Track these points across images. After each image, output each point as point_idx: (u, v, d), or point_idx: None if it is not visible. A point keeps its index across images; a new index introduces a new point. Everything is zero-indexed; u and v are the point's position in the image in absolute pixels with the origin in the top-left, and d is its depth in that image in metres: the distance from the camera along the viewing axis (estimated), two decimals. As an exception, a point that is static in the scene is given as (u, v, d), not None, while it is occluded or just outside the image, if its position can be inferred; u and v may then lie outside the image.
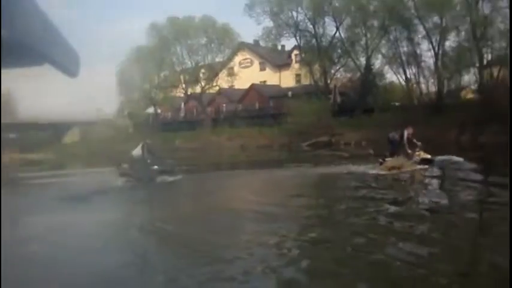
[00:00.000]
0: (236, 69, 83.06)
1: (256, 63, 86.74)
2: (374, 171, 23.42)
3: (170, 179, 23.61)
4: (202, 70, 78.96)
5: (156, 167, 23.76)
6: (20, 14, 1.45)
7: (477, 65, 56.63)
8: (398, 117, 47.43)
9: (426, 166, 23.87)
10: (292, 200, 17.43)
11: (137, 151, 24.10)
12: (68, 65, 1.85)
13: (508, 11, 51.69)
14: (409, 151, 24.11)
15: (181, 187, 23.02)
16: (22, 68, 1.76)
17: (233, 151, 55.94)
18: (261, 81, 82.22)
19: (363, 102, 63.62)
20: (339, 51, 68.55)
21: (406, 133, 24.37)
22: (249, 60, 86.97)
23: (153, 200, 19.94)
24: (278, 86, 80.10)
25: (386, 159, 24.46)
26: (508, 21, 51.20)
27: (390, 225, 12.25)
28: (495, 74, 55.00)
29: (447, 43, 59.89)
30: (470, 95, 60.90)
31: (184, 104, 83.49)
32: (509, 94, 37.21)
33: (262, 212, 14.81)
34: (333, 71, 69.53)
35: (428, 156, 24.30)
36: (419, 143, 24.56)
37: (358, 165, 26.08)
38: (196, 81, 78.95)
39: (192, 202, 18.67)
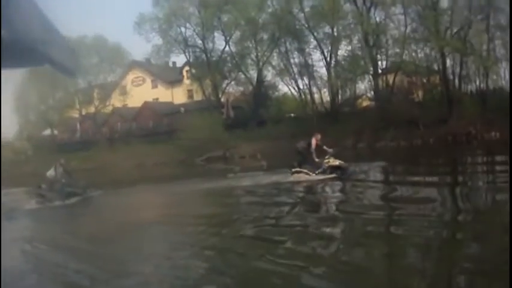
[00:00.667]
0: (129, 87, 77.76)
1: (148, 80, 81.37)
2: (283, 181, 22.86)
3: (80, 198, 23.14)
4: (96, 90, 73.49)
5: (69, 188, 23.18)
6: (20, 14, 1.47)
7: (371, 72, 53.52)
8: (293, 128, 47.38)
9: (333, 175, 22.23)
10: (201, 212, 17.78)
11: (51, 172, 23.53)
12: (67, 64, 1.81)
13: (402, 17, 50.17)
14: (317, 160, 22.59)
15: (88, 206, 22.42)
16: (22, 68, 1.77)
17: (130, 170, 52.63)
18: (153, 99, 77.68)
19: (256, 114, 60.48)
20: (229, 65, 64.85)
21: (313, 141, 22.77)
22: (141, 78, 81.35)
23: (62, 219, 19.94)
24: (171, 103, 75.10)
25: (293, 169, 23.14)
26: (403, 28, 50.18)
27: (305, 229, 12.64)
28: (391, 80, 52.18)
29: (339, 52, 56.78)
30: (366, 103, 58.97)
31: (80, 124, 77.11)
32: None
33: (170, 223, 15.51)
34: (224, 85, 65.98)
35: (337, 163, 22.47)
36: (330, 150, 22.88)
37: (265, 176, 25.59)
38: (90, 101, 73.79)
39: (99, 220, 18.21)
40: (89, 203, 22.93)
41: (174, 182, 30.34)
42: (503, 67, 47.97)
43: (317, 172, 22.36)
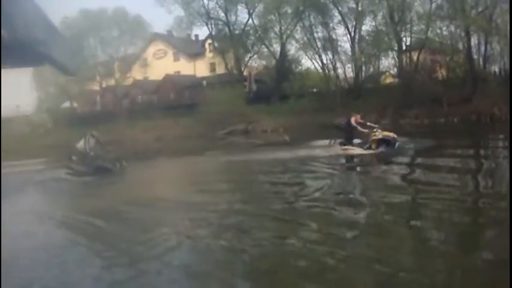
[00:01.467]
0: (150, 60, 77.94)
1: (170, 53, 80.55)
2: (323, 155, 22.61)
3: (110, 173, 22.04)
4: (117, 62, 73.28)
5: (99, 161, 22.29)
6: (20, 14, 1.47)
7: (396, 49, 53.21)
8: (315, 103, 48.56)
9: (380, 150, 22.03)
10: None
11: (81, 144, 22.59)
12: (67, 64, 1.84)
13: None
14: (365, 130, 22.81)
15: (117, 181, 20.94)
16: (22, 67, 1.81)
17: (150, 143, 51.22)
18: (175, 72, 77.10)
19: (279, 89, 60.20)
20: (252, 38, 64.68)
21: (353, 119, 23.33)
22: (162, 51, 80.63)
23: (85, 193, 18.63)
24: (193, 76, 74.75)
25: (341, 144, 23.69)
26: (428, 5, 49.93)
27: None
28: (414, 58, 51.84)
29: (364, 27, 56.54)
30: (389, 80, 58.93)
31: (100, 97, 77.05)
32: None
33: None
34: (247, 59, 65.63)
35: (380, 136, 22.14)
36: (375, 125, 23.26)
37: (294, 150, 25.46)
38: (111, 73, 73.39)
39: (122, 196, 16.95)
40: (119, 177, 21.83)
41: (198, 155, 30.22)
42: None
43: (366, 147, 22.37)
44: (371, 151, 21.93)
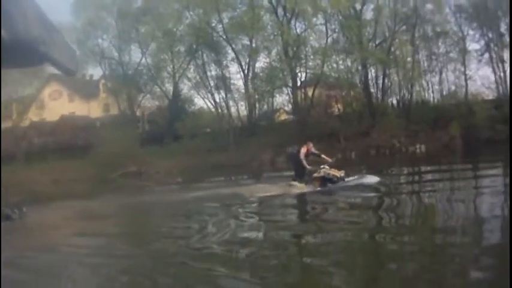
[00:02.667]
0: (46, 101, 72.69)
1: (65, 94, 75.86)
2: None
3: (7, 219, 18.59)
4: (15, 104, 68.24)
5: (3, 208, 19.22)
6: (20, 14, 1.47)
7: (290, 85, 50.89)
8: (209, 143, 46.82)
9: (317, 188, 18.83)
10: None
11: None
12: (67, 64, 1.80)
13: (323, 28, 48.66)
14: (309, 167, 19.64)
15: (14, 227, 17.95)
16: (22, 68, 1.78)
17: (47, 186, 46.14)
18: (70, 113, 71.74)
19: (172, 129, 56.38)
20: (145, 78, 61.15)
21: (303, 149, 20.07)
22: (58, 92, 75.55)
23: None
24: (87, 117, 70.31)
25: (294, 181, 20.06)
26: (323, 40, 48.74)
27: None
28: (310, 93, 49.58)
29: (258, 64, 54.24)
30: (284, 116, 56.61)
31: (-2, 139, 70.39)
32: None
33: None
34: (140, 99, 62.54)
35: (322, 174, 18.86)
36: (329, 160, 20.15)
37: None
38: (9, 115, 67.86)
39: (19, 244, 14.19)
40: (18, 224, 18.79)
41: (92, 198, 26.97)
42: (428, 79, 47.14)
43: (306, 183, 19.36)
44: (303, 190, 18.83)
